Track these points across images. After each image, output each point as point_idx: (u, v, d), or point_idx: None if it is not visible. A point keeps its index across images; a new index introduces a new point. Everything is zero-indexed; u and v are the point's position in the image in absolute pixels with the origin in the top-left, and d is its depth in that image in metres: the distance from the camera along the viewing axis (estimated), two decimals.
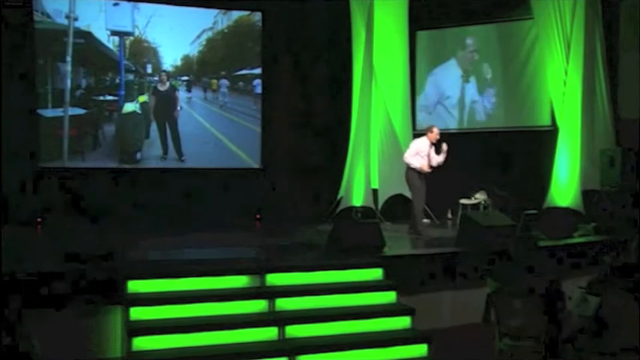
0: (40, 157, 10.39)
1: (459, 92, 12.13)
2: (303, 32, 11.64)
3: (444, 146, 9.00)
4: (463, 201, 10.66)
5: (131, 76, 11.07)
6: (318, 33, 11.67)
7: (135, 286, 5.99)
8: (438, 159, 9.05)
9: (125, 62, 10.98)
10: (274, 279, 6.41)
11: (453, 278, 7.31)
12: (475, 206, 10.60)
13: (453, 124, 12.14)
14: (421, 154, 9.00)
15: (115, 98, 10.98)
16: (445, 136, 11.85)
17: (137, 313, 5.76)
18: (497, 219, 8.32)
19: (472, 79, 12.03)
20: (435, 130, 9.09)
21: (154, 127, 11.21)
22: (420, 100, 12.25)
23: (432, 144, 9.03)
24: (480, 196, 10.74)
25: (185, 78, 11.42)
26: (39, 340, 4.99)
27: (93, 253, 6.31)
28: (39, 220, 9.77)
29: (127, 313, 5.76)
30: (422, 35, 12.20)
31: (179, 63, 11.43)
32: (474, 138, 11.79)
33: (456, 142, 11.81)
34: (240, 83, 11.76)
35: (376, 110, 10.61)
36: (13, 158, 9.71)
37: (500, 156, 11.34)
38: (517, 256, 5.24)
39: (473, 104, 12.05)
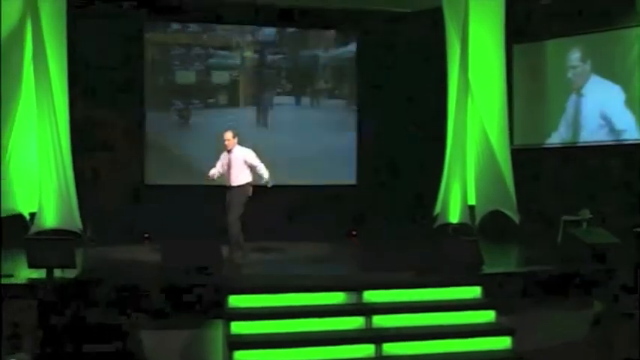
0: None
1: (568, 107, 11.72)
2: (398, 48, 11.73)
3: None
4: (565, 217, 10.29)
5: None
6: (413, 48, 11.69)
7: (236, 301, 6.18)
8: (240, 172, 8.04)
9: None
10: (371, 296, 6.44)
11: (554, 297, 7.09)
12: (578, 223, 10.21)
13: (558, 139, 11.74)
14: (223, 163, 8.27)
15: None
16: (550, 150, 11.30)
17: (238, 327, 5.93)
18: (601, 236, 8.01)
19: (579, 92, 11.59)
20: (224, 136, 8.09)
21: None
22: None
23: (228, 151, 8.11)
24: (583, 213, 10.34)
25: None
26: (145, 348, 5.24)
27: (196, 267, 6.57)
28: (146, 235, 10.25)
29: (227, 327, 5.94)
30: (519, 49, 11.92)
31: None
32: (578, 153, 11.36)
33: (560, 158, 11.47)
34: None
35: (472, 126, 10.46)
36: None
37: (605, 171, 10.88)
38: (623, 276, 5.04)
39: (580, 119, 11.59)
